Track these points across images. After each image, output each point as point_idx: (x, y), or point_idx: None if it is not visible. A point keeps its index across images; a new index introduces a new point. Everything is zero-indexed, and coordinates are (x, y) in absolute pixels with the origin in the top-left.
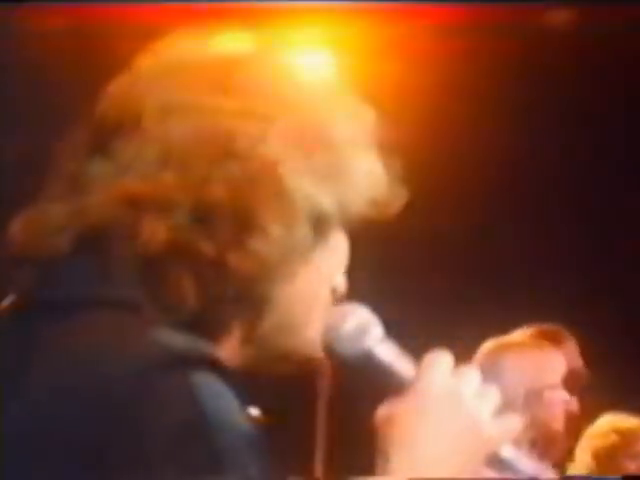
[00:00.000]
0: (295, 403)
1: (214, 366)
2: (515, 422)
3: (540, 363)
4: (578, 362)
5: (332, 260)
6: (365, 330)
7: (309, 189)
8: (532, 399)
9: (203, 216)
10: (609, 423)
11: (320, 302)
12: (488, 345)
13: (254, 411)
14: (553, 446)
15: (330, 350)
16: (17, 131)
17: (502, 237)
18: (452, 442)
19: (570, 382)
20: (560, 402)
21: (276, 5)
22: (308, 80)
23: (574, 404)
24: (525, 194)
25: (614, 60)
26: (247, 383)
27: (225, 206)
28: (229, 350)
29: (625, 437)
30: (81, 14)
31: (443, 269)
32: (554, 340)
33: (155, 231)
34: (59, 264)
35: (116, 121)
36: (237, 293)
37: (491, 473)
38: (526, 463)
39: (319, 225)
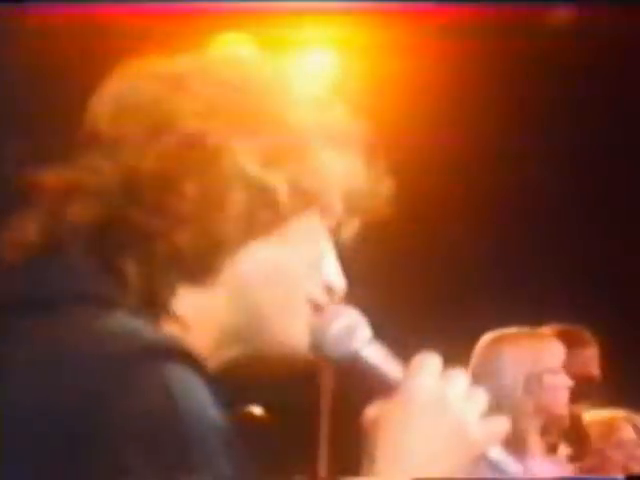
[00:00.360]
0: (299, 402)
1: (189, 361)
2: (502, 424)
3: (537, 349)
4: (593, 367)
5: (303, 250)
6: (353, 332)
7: (250, 166)
8: (532, 384)
9: (134, 189)
10: (588, 416)
11: (299, 297)
12: (486, 338)
13: (257, 409)
14: (562, 432)
15: (317, 351)
16: (16, 131)
17: (505, 237)
18: (437, 445)
19: (582, 385)
20: (562, 387)
21: (282, 5)
22: (268, 70)
23: (579, 408)
24: (531, 194)
25: (621, 60)
26: (250, 381)
27: (154, 178)
28: (205, 348)
29: (605, 427)
30: (81, 14)
31: (445, 271)
32: (573, 342)
33: (84, 212)
34: (34, 265)
35: (84, 140)
36: (179, 263)
37: (479, 474)
38: (514, 464)
39: (266, 204)
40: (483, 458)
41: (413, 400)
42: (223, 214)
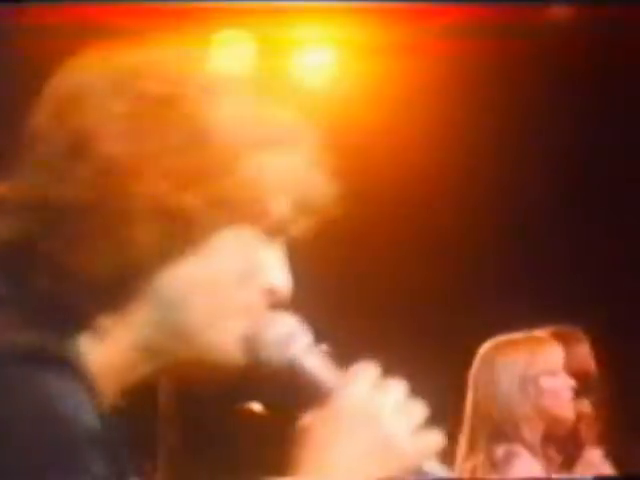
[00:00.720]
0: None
1: (68, 365)
2: (437, 438)
3: (531, 352)
4: (590, 364)
5: (231, 261)
6: (289, 339)
7: (163, 191)
8: (528, 387)
9: (50, 216)
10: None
11: (231, 307)
12: (486, 345)
13: (256, 406)
14: (568, 435)
15: (253, 359)
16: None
17: (503, 237)
18: (364, 455)
19: (580, 384)
20: (563, 388)
21: (281, 4)
22: (203, 83)
23: (585, 405)
24: (530, 194)
25: (621, 60)
26: (247, 378)
27: (69, 208)
28: (114, 354)
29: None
30: (80, 13)
31: (443, 271)
32: (568, 341)
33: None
34: None
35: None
36: (89, 288)
37: None
38: (449, 476)
39: (181, 226)
40: (417, 470)
41: (344, 409)
42: (137, 243)
